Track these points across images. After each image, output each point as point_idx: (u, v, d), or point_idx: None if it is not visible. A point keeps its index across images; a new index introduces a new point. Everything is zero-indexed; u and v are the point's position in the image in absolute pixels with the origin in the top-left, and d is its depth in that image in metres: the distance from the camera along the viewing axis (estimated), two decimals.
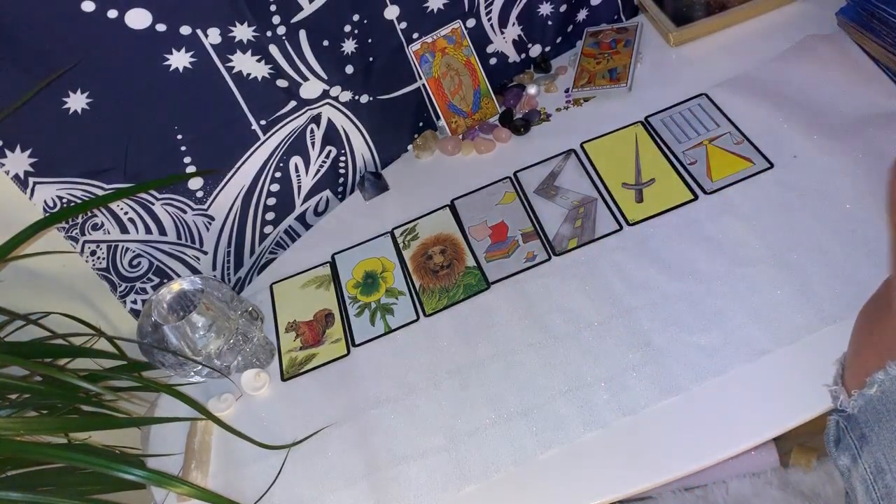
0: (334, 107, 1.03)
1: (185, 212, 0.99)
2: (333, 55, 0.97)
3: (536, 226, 0.98)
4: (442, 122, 1.13)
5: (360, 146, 1.10)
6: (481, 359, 0.87)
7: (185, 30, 0.85)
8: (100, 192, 0.91)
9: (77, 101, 0.84)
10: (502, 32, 1.11)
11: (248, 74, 0.92)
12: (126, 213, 0.95)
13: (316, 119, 1.03)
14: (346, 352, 0.94)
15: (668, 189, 0.95)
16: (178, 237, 1.01)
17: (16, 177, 0.85)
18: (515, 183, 1.04)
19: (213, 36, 0.87)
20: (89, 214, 0.92)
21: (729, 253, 0.87)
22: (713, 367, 0.78)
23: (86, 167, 0.89)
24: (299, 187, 1.08)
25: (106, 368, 0.99)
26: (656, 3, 1.15)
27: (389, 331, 0.94)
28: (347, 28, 0.96)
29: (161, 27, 0.83)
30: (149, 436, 0.94)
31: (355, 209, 1.11)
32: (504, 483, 0.77)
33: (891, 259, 0.63)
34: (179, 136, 0.93)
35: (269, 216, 1.08)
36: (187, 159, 0.95)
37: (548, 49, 1.18)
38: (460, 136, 1.13)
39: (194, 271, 1.05)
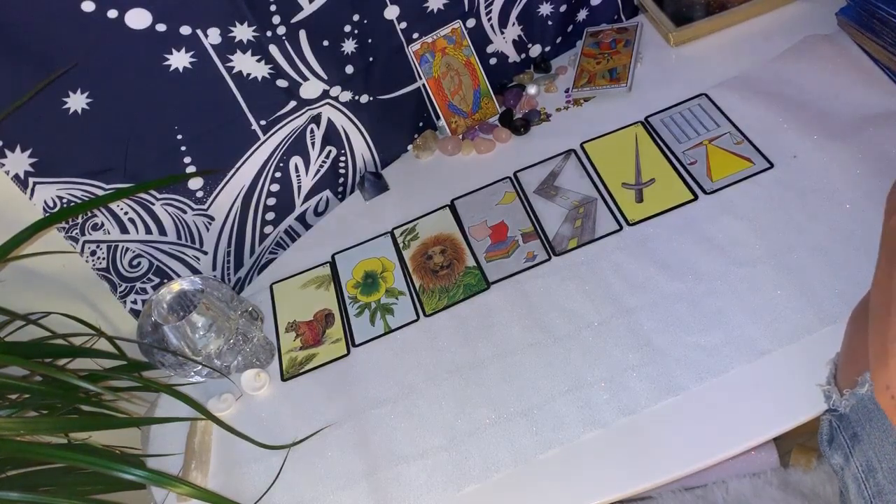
0: (334, 107, 1.03)
1: (185, 212, 0.99)
2: (333, 55, 0.97)
3: (536, 226, 0.98)
4: (442, 122, 1.13)
5: (360, 146, 1.10)
6: (481, 359, 0.87)
7: (185, 30, 0.85)
8: (100, 192, 0.91)
9: (77, 101, 0.84)
10: (502, 32, 1.11)
11: (248, 74, 0.93)
12: (126, 213, 0.95)
13: (316, 119, 1.03)
14: (346, 352, 0.94)
15: (668, 189, 0.95)
16: (178, 237, 1.01)
17: (16, 177, 0.85)
18: (515, 183, 1.04)
19: (213, 36, 0.87)
20: (89, 214, 0.92)
21: (729, 253, 0.87)
22: (713, 367, 0.78)
23: (86, 167, 0.89)
24: (299, 187, 1.08)
25: (106, 368, 0.99)
26: (656, 3, 1.15)
27: (389, 331, 0.94)
28: (347, 28, 0.96)
29: (161, 27, 0.83)
30: (149, 436, 0.94)
31: (355, 209, 1.11)
32: (504, 483, 0.77)
33: (879, 260, 0.63)
34: (179, 136, 0.93)
35: (269, 216, 1.08)
36: (187, 159, 0.95)
37: (548, 49, 1.18)
38: (460, 136, 1.13)
39: (194, 271, 1.05)
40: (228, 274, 1.09)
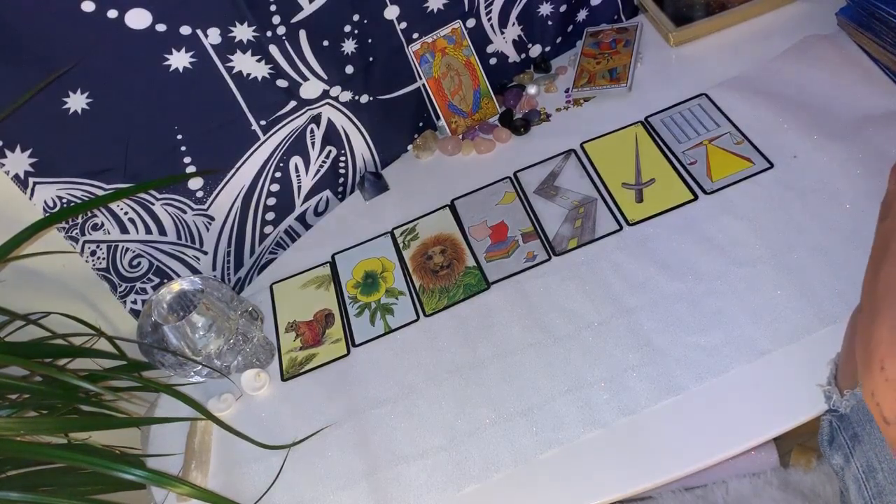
0: (334, 107, 1.03)
1: (185, 212, 0.99)
2: (333, 55, 0.97)
3: (536, 226, 0.98)
4: (442, 122, 1.13)
5: (360, 146, 1.10)
6: (481, 359, 0.87)
7: (185, 30, 0.85)
8: (100, 192, 0.91)
9: (77, 101, 0.84)
10: (502, 32, 1.11)
11: (248, 74, 0.93)
12: (126, 213, 0.95)
13: (316, 119, 1.03)
14: (346, 352, 0.94)
15: (668, 189, 0.95)
16: (178, 237, 1.01)
17: (16, 177, 0.85)
18: (515, 183, 1.04)
19: (213, 36, 0.87)
20: (89, 214, 0.92)
21: (729, 253, 0.87)
22: (713, 367, 0.78)
23: (86, 167, 0.89)
24: (299, 187, 1.08)
25: (106, 368, 0.99)
26: (656, 3, 1.15)
27: (389, 331, 0.94)
28: (347, 28, 0.96)
29: (161, 27, 0.83)
30: (149, 436, 0.94)
31: (355, 209, 1.11)
32: (504, 483, 0.77)
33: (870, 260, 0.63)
34: (179, 136, 0.93)
35: (269, 216, 1.08)
36: (187, 159, 0.95)
37: (548, 49, 1.18)
38: (460, 136, 1.13)
39: (194, 271, 1.05)
40: (228, 274, 1.09)
